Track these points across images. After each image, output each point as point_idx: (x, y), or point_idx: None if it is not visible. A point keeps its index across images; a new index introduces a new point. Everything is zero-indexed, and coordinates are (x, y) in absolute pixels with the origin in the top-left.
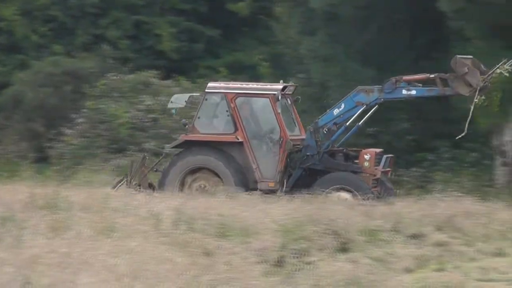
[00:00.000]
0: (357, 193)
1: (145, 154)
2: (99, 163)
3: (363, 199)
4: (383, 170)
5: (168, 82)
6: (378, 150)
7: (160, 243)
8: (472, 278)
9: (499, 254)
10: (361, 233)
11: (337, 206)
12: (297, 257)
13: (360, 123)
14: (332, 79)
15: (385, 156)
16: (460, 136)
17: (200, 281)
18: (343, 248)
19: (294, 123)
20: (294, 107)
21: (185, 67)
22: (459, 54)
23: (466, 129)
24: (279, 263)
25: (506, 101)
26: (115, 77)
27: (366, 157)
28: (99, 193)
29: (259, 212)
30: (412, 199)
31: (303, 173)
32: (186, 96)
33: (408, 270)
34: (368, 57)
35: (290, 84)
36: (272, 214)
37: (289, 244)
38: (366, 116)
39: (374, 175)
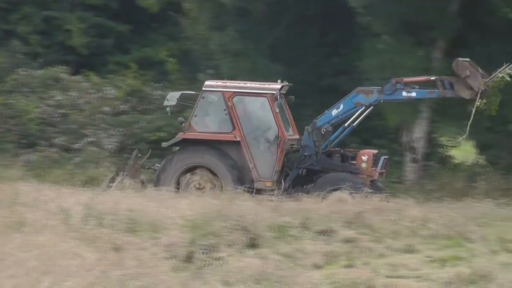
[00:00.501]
0: (355, 194)
1: (137, 150)
2: (9, 158)
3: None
4: (380, 171)
5: (77, 77)
6: (374, 151)
7: (69, 238)
8: (381, 275)
9: (409, 250)
10: (270, 229)
11: (246, 202)
12: (206, 253)
13: (354, 124)
14: (242, 75)
15: (382, 157)
16: (461, 139)
17: (110, 276)
18: (252, 244)
19: (288, 123)
20: (287, 106)
21: (94, 63)
22: (370, 50)
23: (467, 131)
24: (188, 258)
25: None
26: (25, 73)
27: (364, 158)
28: (9, 188)
29: (169, 208)
30: (321, 195)
31: (300, 173)
32: (178, 94)
33: (317, 266)
34: (277, 52)
35: (285, 83)
36: (182, 209)
37: (198, 239)
38: (361, 117)
39: (372, 176)
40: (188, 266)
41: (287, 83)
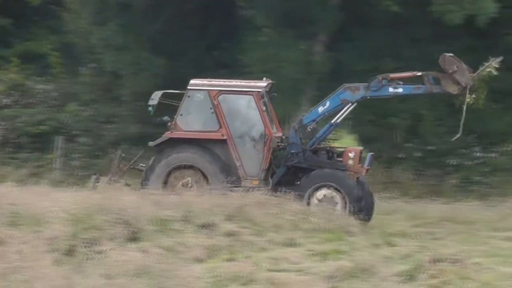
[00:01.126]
0: (342, 191)
1: (121, 151)
2: None
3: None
4: (367, 168)
5: None
6: (361, 148)
7: None
8: (263, 268)
9: (290, 244)
10: (152, 222)
11: (127, 195)
12: (88, 246)
13: (338, 121)
14: (124, 68)
15: (368, 154)
16: (455, 138)
17: None
18: (134, 238)
19: (272, 120)
20: (270, 104)
21: None
22: (251, 43)
23: (461, 130)
24: (70, 252)
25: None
26: None
27: (351, 155)
28: None
29: (51, 201)
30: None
31: (287, 171)
32: (159, 92)
33: (199, 260)
34: (159, 46)
35: (269, 81)
36: (64, 203)
37: (80, 233)
38: (343, 113)
39: (359, 173)
40: (70, 260)
41: (270, 81)
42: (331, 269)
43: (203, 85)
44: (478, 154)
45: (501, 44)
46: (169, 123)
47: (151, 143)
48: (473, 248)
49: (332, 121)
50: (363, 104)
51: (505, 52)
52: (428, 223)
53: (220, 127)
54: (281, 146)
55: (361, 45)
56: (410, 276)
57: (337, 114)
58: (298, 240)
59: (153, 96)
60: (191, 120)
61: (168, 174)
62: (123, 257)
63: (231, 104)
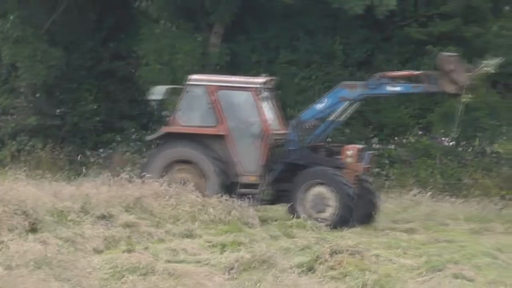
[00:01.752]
0: (335, 189)
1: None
2: None
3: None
4: (365, 166)
5: None
6: (360, 146)
7: None
8: (161, 259)
9: (188, 235)
10: (50, 213)
11: (26, 186)
12: None
13: (340, 119)
14: (22, 60)
15: (367, 152)
16: (452, 135)
17: None
18: (33, 229)
19: (277, 117)
20: (275, 101)
21: None
22: (147, 35)
23: (455, 129)
24: None
25: None
26: None
27: (349, 153)
28: None
29: None
30: (100, 180)
31: (284, 168)
32: (164, 88)
33: (98, 251)
34: (56, 37)
35: (271, 78)
36: None
37: None
38: (349, 112)
39: (357, 171)
40: None
41: (272, 78)
42: (229, 260)
43: (201, 80)
44: (376, 146)
45: (396, 35)
46: (168, 118)
47: (148, 137)
48: (373, 240)
49: (331, 119)
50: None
51: (399, 44)
52: None
53: (218, 122)
54: (279, 143)
55: (256, 37)
56: (309, 268)
57: (340, 113)
58: (196, 231)
59: (155, 91)
60: (189, 115)
61: (166, 169)
62: (22, 248)
63: (229, 100)
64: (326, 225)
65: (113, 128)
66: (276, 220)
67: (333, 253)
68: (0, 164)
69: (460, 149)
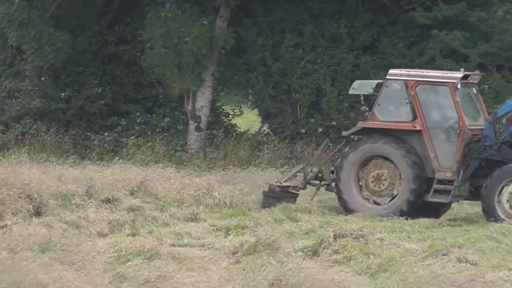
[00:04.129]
0: None
1: (328, 140)
2: None
3: None
4: None
5: None
6: None
7: None
8: (166, 243)
9: (193, 219)
10: (54, 197)
11: (30, 170)
12: None
13: None
14: (28, 43)
15: None
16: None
17: None
18: (37, 212)
19: (479, 113)
20: (479, 96)
21: None
22: (153, 19)
23: None
24: None
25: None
26: None
27: None
28: None
29: None
30: (105, 163)
31: (481, 164)
32: (370, 82)
33: (102, 235)
34: (61, 21)
35: (474, 73)
36: None
37: None
38: None
39: None
40: None
41: (478, 73)
42: (234, 244)
43: (401, 75)
44: None
45: (401, 19)
46: (366, 113)
47: (344, 133)
48: (377, 224)
49: None
50: (264, 80)
51: (405, 27)
52: (332, 198)
53: (416, 117)
54: (476, 138)
55: (262, 20)
56: (313, 252)
57: None
58: (200, 215)
59: (354, 85)
60: (388, 110)
61: (361, 164)
62: (27, 232)
63: (427, 95)
64: None
65: (118, 112)
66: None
67: (337, 237)
68: (4, 147)
69: None
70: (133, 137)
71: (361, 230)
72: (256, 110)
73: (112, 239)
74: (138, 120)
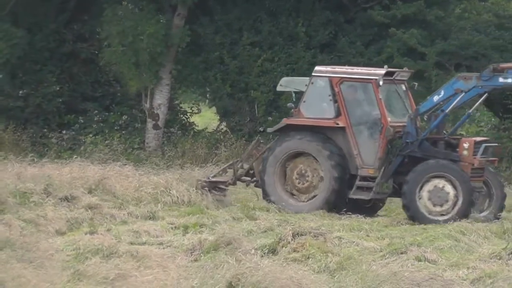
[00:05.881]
0: (456, 181)
1: (259, 137)
2: None
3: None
4: (480, 159)
5: None
6: (479, 138)
7: None
8: (124, 241)
9: (151, 217)
10: (13, 195)
11: None
12: None
13: (471, 111)
14: None
15: (483, 144)
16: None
17: None
18: None
19: (407, 110)
20: (409, 93)
21: None
22: (110, 17)
23: None
24: None
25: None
26: None
27: (465, 145)
28: None
29: None
30: (63, 161)
31: (404, 161)
32: (302, 79)
33: (60, 233)
34: (19, 18)
35: (402, 70)
36: None
37: None
38: (477, 103)
39: (472, 164)
40: None
41: (407, 70)
42: (192, 242)
43: (326, 72)
44: None
45: (359, 18)
46: (292, 110)
47: (269, 129)
48: (335, 222)
49: (447, 111)
50: (222, 78)
51: (362, 26)
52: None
53: (340, 114)
54: (399, 135)
55: (220, 18)
56: (272, 250)
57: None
58: (159, 213)
59: (281, 82)
60: (313, 107)
61: (287, 161)
62: None
63: (351, 91)
64: (444, 221)
65: (76, 110)
66: (237, 202)
67: (296, 235)
68: None
69: None
70: (91, 135)
71: (319, 229)
72: (214, 108)
73: (70, 237)
74: (96, 118)
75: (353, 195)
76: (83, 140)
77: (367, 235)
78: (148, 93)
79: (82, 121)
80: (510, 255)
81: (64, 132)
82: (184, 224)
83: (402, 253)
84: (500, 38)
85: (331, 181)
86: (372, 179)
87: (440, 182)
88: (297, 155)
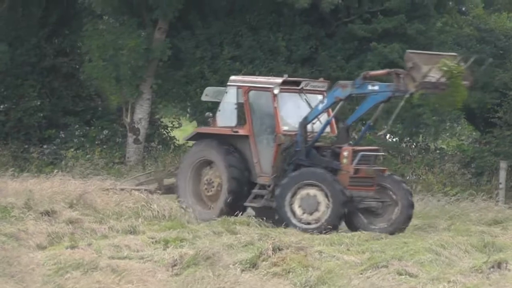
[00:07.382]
0: (326, 189)
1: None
2: None
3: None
4: (357, 167)
5: None
6: (361, 147)
7: None
8: (105, 256)
9: (132, 231)
10: None
11: None
12: None
13: (370, 121)
14: None
15: (360, 153)
16: (382, 133)
17: None
18: None
19: (319, 120)
20: (322, 103)
21: None
22: (91, 31)
23: (389, 125)
24: None
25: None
26: None
27: (345, 153)
28: None
29: None
30: (44, 176)
31: (293, 169)
32: (220, 89)
33: (41, 247)
34: (0, 33)
35: (318, 80)
36: None
37: None
38: (376, 113)
39: (349, 172)
40: None
41: (322, 80)
42: (173, 256)
43: (236, 81)
44: None
45: (340, 32)
46: (209, 119)
47: (184, 138)
48: (316, 236)
49: (328, 118)
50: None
51: (343, 40)
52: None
53: (245, 123)
54: (288, 144)
55: (200, 33)
56: (252, 264)
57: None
58: (139, 227)
59: (206, 92)
60: (225, 115)
61: (197, 170)
62: None
63: (255, 100)
64: (313, 230)
65: (57, 124)
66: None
67: (276, 249)
68: None
69: (404, 145)
70: (72, 150)
71: (300, 243)
72: (194, 122)
73: (51, 252)
74: (76, 133)
75: (248, 203)
76: (64, 155)
77: (348, 249)
78: (129, 108)
79: (63, 135)
80: (491, 269)
81: (45, 146)
82: (165, 239)
83: (383, 267)
84: (482, 51)
85: (225, 193)
86: (269, 187)
87: (312, 191)
88: (210, 162)
